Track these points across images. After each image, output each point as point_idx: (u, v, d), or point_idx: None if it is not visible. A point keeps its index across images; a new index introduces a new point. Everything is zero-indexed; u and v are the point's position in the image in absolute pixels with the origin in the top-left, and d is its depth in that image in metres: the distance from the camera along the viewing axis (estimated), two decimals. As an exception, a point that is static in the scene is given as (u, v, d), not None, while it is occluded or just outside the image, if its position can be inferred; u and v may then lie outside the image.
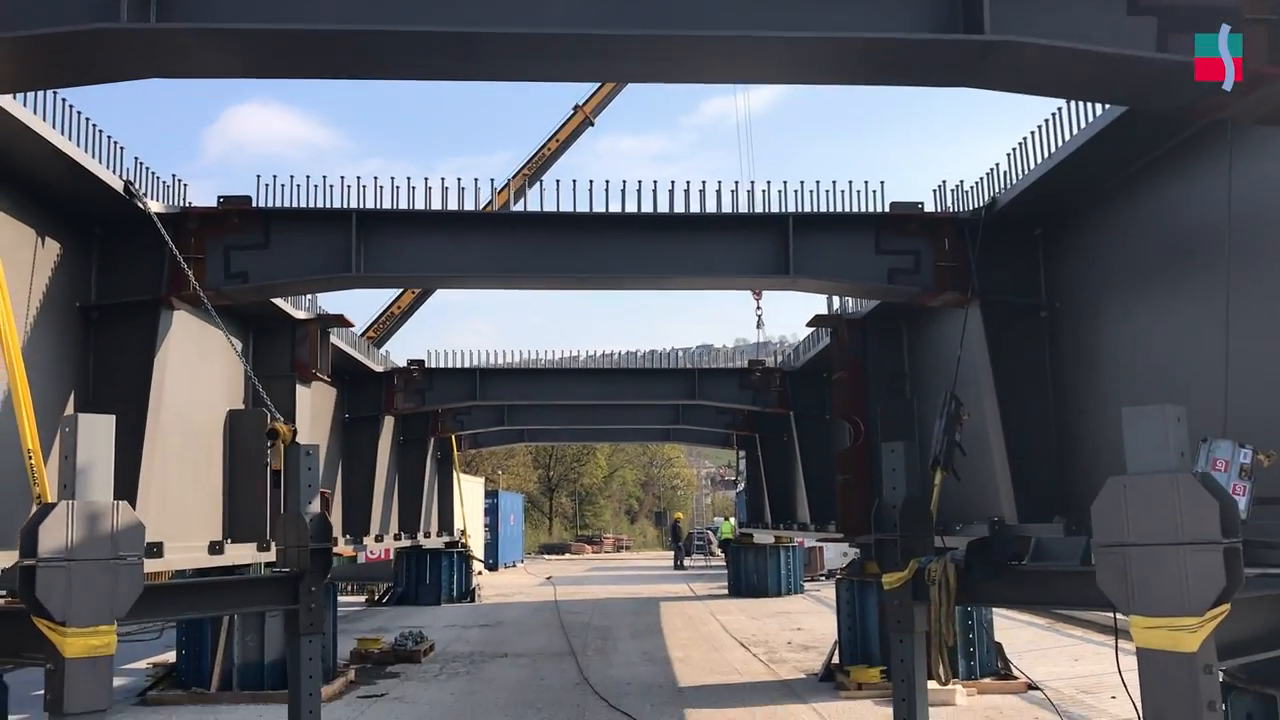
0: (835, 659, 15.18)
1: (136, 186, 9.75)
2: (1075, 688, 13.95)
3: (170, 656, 15.30)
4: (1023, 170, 9.98)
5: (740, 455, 33.37)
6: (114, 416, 5.79)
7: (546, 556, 65.49)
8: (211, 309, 9.64)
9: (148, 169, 10.19)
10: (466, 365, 21.44)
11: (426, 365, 21.21)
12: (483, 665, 17.08)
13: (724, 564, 49.14)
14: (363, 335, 25.55)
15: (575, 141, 38.78)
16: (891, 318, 14.70)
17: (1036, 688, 13.72)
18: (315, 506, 9.00)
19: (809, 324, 15.80)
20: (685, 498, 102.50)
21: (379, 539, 20.43)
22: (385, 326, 38.82)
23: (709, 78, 7.02)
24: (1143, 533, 4.76)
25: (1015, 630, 19.04)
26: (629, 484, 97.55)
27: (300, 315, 14.64)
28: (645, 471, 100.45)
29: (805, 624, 22.79)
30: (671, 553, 59.93)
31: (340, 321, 15.29)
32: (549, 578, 40.95)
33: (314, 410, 16.52)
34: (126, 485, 9.96)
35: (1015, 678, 14.13)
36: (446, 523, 29.00)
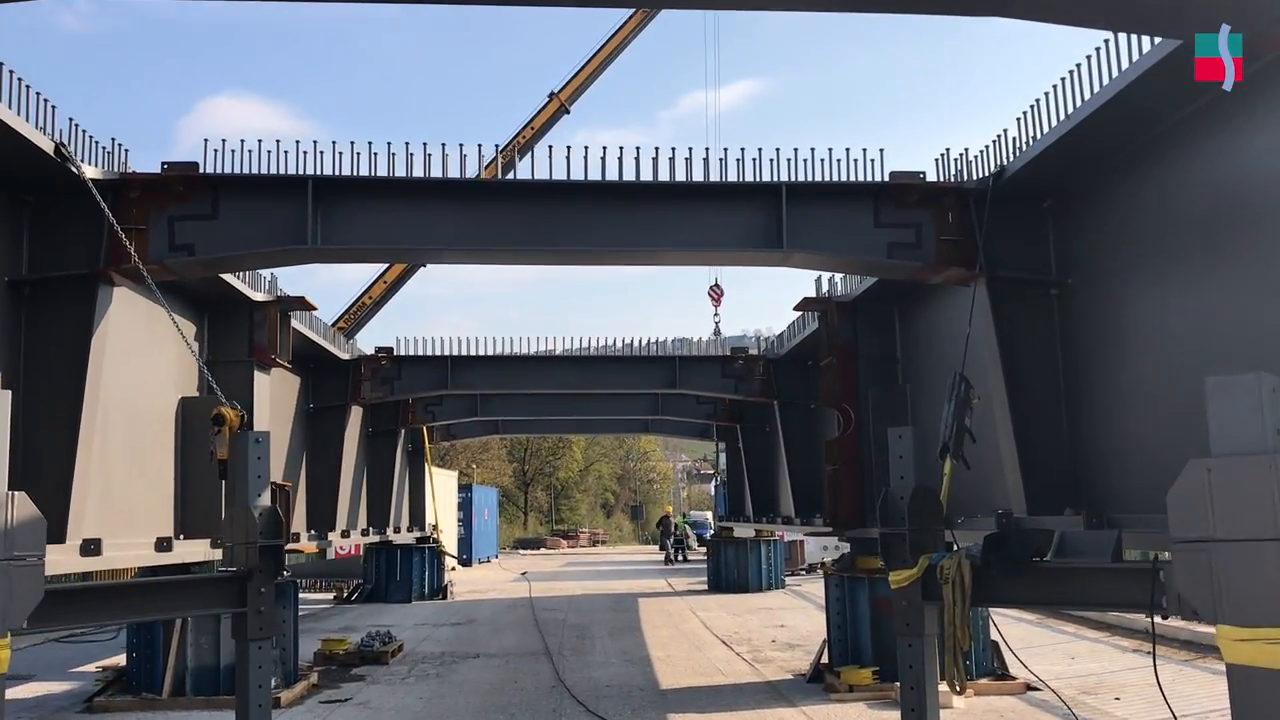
0: (824, 659, 14.48)
1: (70, 149, 8.87)
2: (1075, 688, 13.31)
3: (123, 659, 14.43)
4: (1034, 136, 9.26)
5: (720, 447, 32.74)
6: (9, 393, 4.96)
7: (522, 551, 64.72)
8: (153, 284, 8.79)
9: (85, 131, 9.31)
10: (437, 353, 20.57)
11: (395, 353, 20.34)
12: (454, 667, 16.28)
13: (703, 559, 48.50)
14: (333, 326, 24.64)
15: (551, 129, 37.96)
16: (883, 300, 14.01)
17: (1036, 688, 13.08)
18: (265, 499, 8.21)
19: (796, 307, 15.07)
20: (661, 491, 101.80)
21: (345, 534, 19.57)
22: (356, 317, 37.93)
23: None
24: (1233, 526, 4.01)
25: (1005, 627, 18.36)
26: (605, 478, 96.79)
27: (259, 297, 13.81)
28: (621, 465, 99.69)
29: (789, 621, 22.10)
30: (654, 548, 59.03)
31: (302, 304, 14.44)
32: (524, 573, 40.16)
33: (275, 399, 15.66)
34: (60, 476, 9.16)
35: (1013, 678, 13.47)
36: (418, 517, 28.13)
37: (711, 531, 39.30)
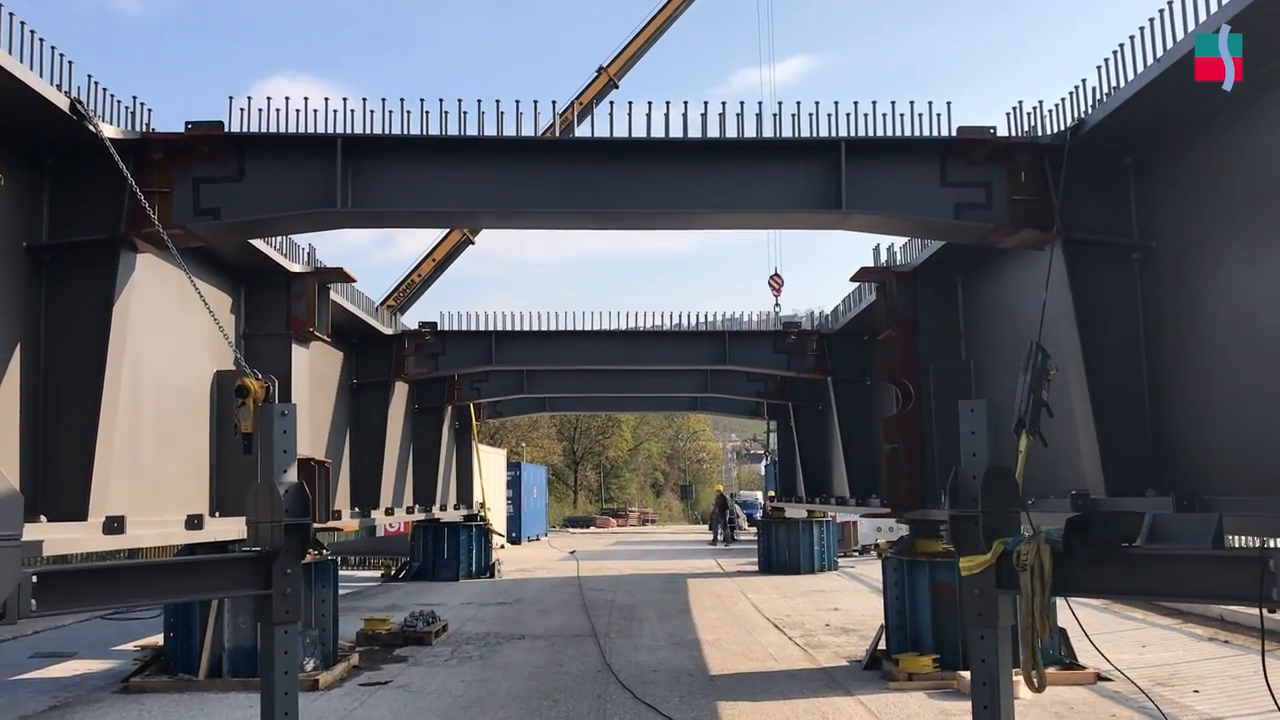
0: (881, 645, 13.86)
1: (87, 106, 8.43)
2: (1148, 679, 12.57)
3: (162, 638, 14.16)
4: (1116, 85, 8.51)
5: (771, 426, 32.10)
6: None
7: (571, 530, 64.67)
8: (174, 248, 8.33)
9: (105, 90, 8.86)
10: (481, 328, 20.12)
11: (439, 328, 19.92)
12: (498, 648, 15.87)
13: (752, 540, 47.34)
14: (382, 304, 24.34)
15: (599, 105, 37.34)
16: (945, 270, 13.31)
17: (1107, 678, 12.39)
18: (291, 475, 7.74)
19: (853, 278, 14.38)
20: (711, 471, 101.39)
21: (390, 512, 19.25)
22: (405, 295, 37.82)
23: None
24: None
25: (1067, 612, 17.64)
26: (654, 457, 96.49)
27: (296, 268, 13.41)
28: (671, 444, 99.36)
29: (842, 604, 21.47)
30: (704, 528, 58.24)
31: (340, 276, 14.01)
32: (572, 552, 39.85)
33: (316, 373, 15.30)
34: (82, 451, 8.77)
35: (1082, 667, 12.77)
36: (465, 495, 27.84)
37: (761, 512, 38.29)
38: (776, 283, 31.83)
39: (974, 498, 6.93)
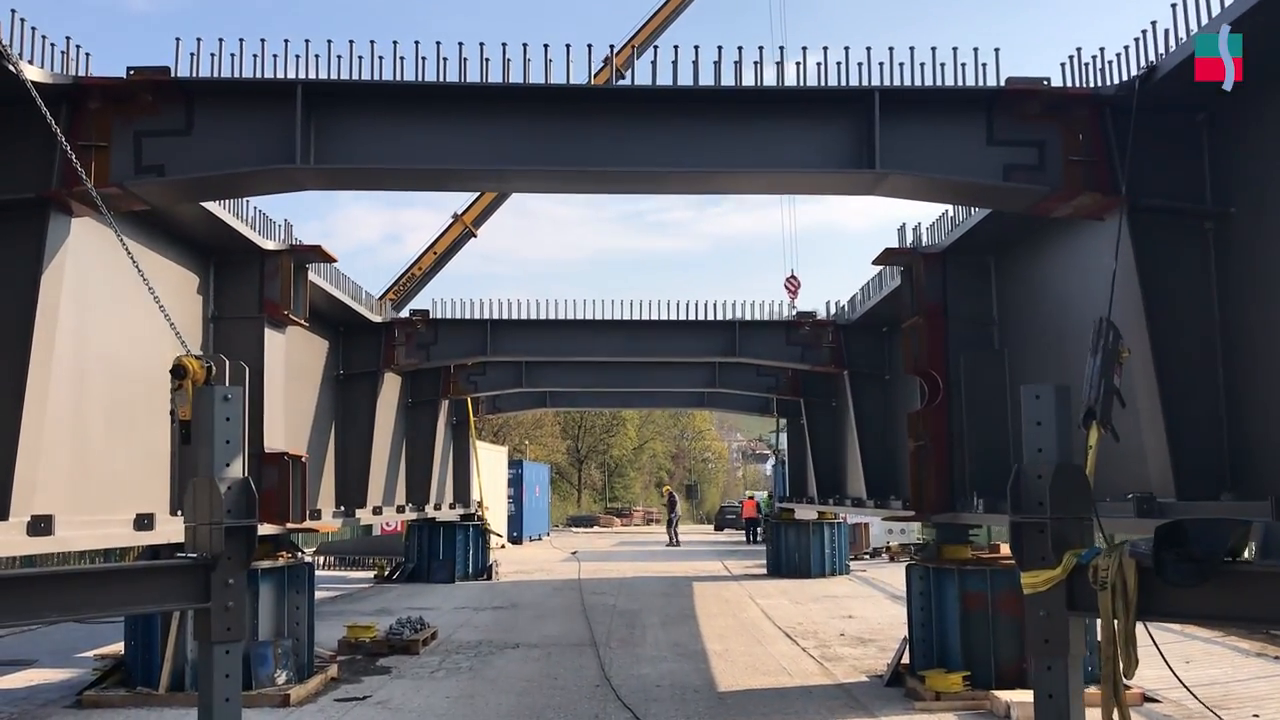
0: (905, 660, 12.73)
1: (7, 45, 7.33)
2: (1201, 698, 11.44)
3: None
4: (1192, 26, 7.39)
5: (780, 425, 30.96)
6: None
7: (574, 529, 63.73)
8: (104, 209, 7.20)
9: (33, 28, 7.78)
10: (476, 316, 18.98)
11: (431, 315, 18.79)
12: (489, 659, 14.75)
13: (742, 540, 46.74)
14: (382, 298, 23.22)
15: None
16: (977, 252, 12.22)
17: (1154, 699, 11.28)
18: (235, 470, 6.65)
19: (876, 261, 13.24)
20: (716, 470, 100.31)
21: (378, 511, 18.14)
22: (406, 289, 36.77)
23: None
24: None
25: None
26: (659, 456, 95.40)
27: (270, 246, 12.33)
28: (676, 444, 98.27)
29: (857, 611, 20.32)
30: (709, 527, 57.08)
31: (319, 254, 12.90)
32: (574, 553, 38.78)
33: (295, 362, 14.20)
34: (2, 440, 7.66)
35: (1128, 687, 11.59)
36: (463, 493, 26.72)
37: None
38: (793, 285, 30.73)
39: (1040, 501, 5.81)
